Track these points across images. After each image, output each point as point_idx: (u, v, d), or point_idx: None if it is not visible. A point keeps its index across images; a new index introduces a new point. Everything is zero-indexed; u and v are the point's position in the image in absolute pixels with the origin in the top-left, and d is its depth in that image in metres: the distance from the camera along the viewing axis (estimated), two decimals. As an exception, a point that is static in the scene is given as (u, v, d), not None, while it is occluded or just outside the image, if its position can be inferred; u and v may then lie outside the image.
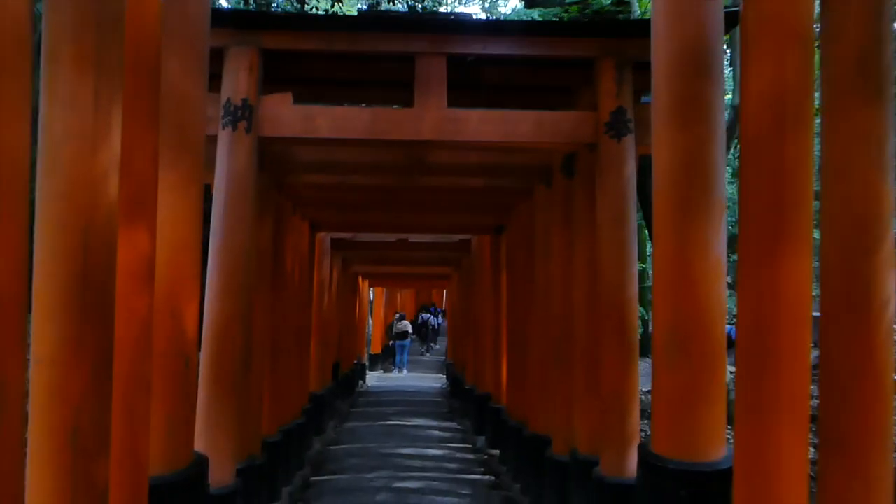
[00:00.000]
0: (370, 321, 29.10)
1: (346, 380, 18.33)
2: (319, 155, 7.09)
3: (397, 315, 26.24)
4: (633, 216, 6.05)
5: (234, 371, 5.66)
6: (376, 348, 28.31)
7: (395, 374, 25.65)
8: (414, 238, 14.40)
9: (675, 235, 4.45)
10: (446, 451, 11.87)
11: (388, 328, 25.91)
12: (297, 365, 9.96)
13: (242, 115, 5.71)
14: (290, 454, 8.77)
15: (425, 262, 17.95)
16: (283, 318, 8.58)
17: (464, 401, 15.62)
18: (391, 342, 25.63)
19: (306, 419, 10.54)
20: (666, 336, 4.43)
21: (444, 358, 30.42)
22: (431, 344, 29.99)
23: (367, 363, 26.23)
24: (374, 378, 25.05)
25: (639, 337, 6.11)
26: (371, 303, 29.73)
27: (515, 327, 9.83)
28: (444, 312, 32.69)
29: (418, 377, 25.83)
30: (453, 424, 14.96)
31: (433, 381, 25.26)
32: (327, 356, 14.41)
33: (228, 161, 5.72)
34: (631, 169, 6.04)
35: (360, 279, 22.68)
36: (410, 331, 26.07)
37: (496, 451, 11.27)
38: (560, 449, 7.21)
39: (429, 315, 30.94)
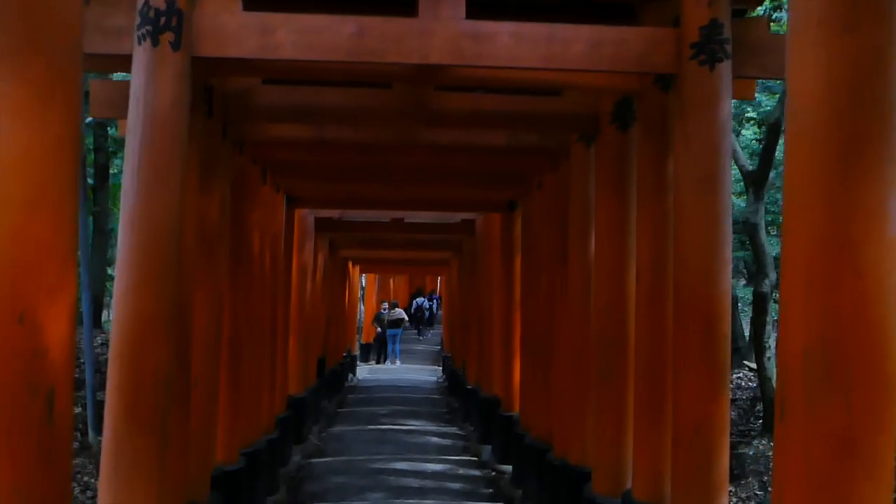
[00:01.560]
0: (361, 308, 27.39)
1: (334, 376, 16.57)
2: (288, 97, 5.28)
3: (384, 304, 24.68)
4: (729, 177, 4.27)
5: (155, 396, 3.88)
6: (368, 338, 26.55)
7: (387, 365, 23.96)
8: (410, 218, 12.57)
9: (828, 202, 2.72)
10: (447, 466, 10.14)
11: (376, 317, 24.13)
12: (268, 368, 8.18)
13: (167, 23, 3.90)
14: (257, 480, 7.02)
15: (422, 245, 16.14)
16: (247, 313, 6.80)
17: (465, 401, 13.89)
18: (379, 332, 23.84)
19: (281, 432, 8.78)
20: (806, 359, 2.70)
21: (438, 347, 28.96)
22: (424, 328, 29.39)
23: (358, 354, 24.49)
24: (365, 371, 23.33)
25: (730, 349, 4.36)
26: (363, 289, 28.01)
27: (535, 324, 8.07)
28: (440, 299, 31.32)
29: (412, 369, 24.12)
30: (454, 429, 13.22)
31: (428, 373, 23.56)
32: (311, 352, 12.64)
33: (147, 92, 3.92)
34: (727, 110, 4.26)
35: (350, 265, 20.88)
36: (405, 318, 24.38)
37: (507, 468, 9.54)
38: (604, 487, 5.48)
39: (423, 299, 29.93)
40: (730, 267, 4.29)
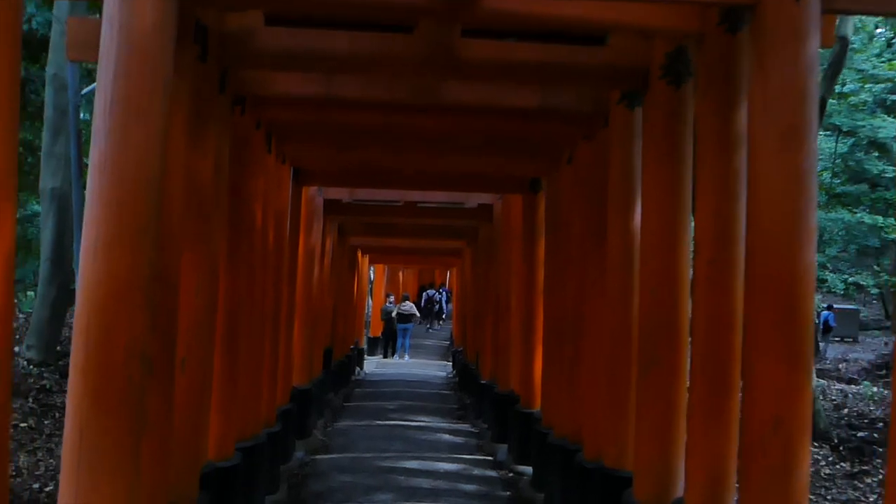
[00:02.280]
0: (369, 301, 26.74)
1: (341, 368, 15.93)
2: (294, 42, 4.60)
3: (390, 297, 24.24)
4: (815, 129, 3.58)
5: (127, 374, 3.22)
6: (376, 331, 25.89)
7: (395, 359, 23.33)
8: (425, 200, 11.88)
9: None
10: (461, 466, 9.47)
11: (383, 310, 23.48)
12: (269, 354, 7.53)
13: (148, -71, 3.23)
14: (255, 477, 6.36)
15: (436, 233, 15.45)
16: (248, 291, 6.15)
17: (478, 397, 13.22)
18: (386, 326, 23.25)
19: (283, 425, 8.12)
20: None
21: (448, 343, 28.32)
22: (437, 321, 29.44)
23: (365, 347, 23.85)
24: (372, 364, 22.70)
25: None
26: (371, 282, 27.37)
27: (561, 313, 7.38)
28: (450, 292, 30.77)
29: (421, 364, 23.49)
30: (466, 426, 12.56)
31: (437, 368, 22.92)
32: (317, 342, 11.98)
33: (122, 10, 3.25)
34: (814, 49, 3.56)
35: (360, 254, 20.21)
36: (416, 313, 23.85)
37: (526, 469, 8.87)
38: (648, 494, 4.79)
39: (434, 292, 29.78)
40: (815, 236, 3.60)
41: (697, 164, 4.22)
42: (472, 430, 12.27)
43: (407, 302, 23.50)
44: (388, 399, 15.25)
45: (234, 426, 5.92)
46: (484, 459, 10.03)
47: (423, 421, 12.79)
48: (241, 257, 5.72)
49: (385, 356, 24.01)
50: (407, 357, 23.44)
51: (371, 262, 24.08)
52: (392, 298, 24.51)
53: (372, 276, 27.46)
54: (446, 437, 11.56)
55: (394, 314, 23.14)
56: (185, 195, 4.08)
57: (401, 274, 32.62)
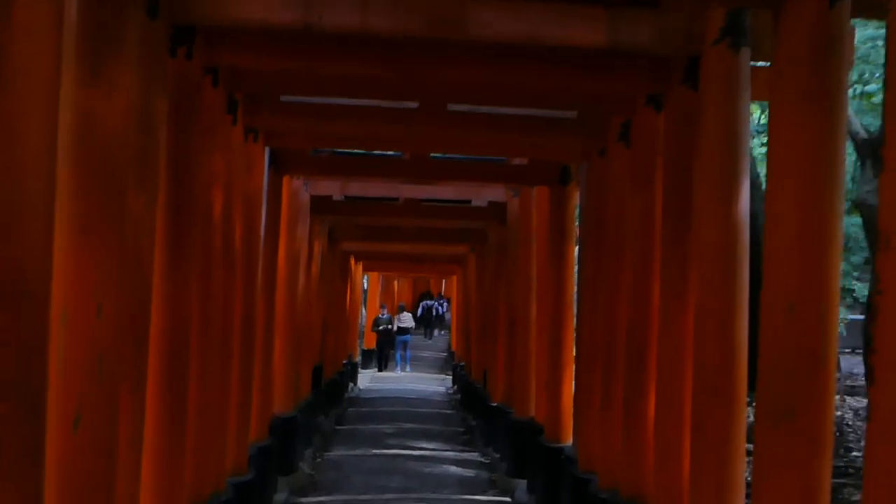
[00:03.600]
0: (363, 312, 25.20)
1: (332, 387, 14.34)
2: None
3: (384, 308, 22.95)
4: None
5: None
6: (370, 343, 24.33)
7: (397, 372, 22.06)
8: (427, 199, 10.34)
9: None
10: (475, 511, 7.94)
11: (375, 322, 22.16)
12: (239, 384, 5.97)
13: None
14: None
15: (437, 237, 13.90)
16: (202, 305, 4.61)
17: (487, 421, 11.64)
18: (379, 338, 22.14)
19: (258, 468, 6.55)
20: None
21: (446, 354, 26.86)
22: (432, 330, 29.39)
23: (359, 361, 22.29)
24: (367, 379, 21.14)
25: None
26: (365, 292, 25.84)
27: (606, 332, 5.84)
28: (448, 301, 29.52)
29: (419, 378, 21.98)
30: (475, 455, 11.00)
31: (436, 382, 21.40)
32: (303, 360, 10.41)
33: None
34: None
35: (353, 261, 18.65)
36: (412, 325, 23.08)
37: (554, 517, 7.31)
38: None
39: (433, 302, 29.45)
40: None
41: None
42: (482, 459, 10.71)
43: (405, 313, 22.56)
44: (384, 421, 13.70)
45: (184, 488, 4.36)
46: (500, 502, 8.47)
47: (426, 448, 11.24)
48: (190, 259, 4.17)
49: (380, 369, 22.52)
50: (408, 368, 22.42)
51: (365, 270, 22.53)
52: (385, 309, 23.11)
53: (365, 286, 25.99)
54: (453, 469, 10.01)
55: (390, 326, 21.97)
56: (76, 142, 2.53)
57: (395, 283, 31.20)
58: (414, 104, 5.44)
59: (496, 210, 10.77)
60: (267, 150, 6.49)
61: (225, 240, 5.15)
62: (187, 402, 4.25)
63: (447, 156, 7.61)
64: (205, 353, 4.66)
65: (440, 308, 30.84)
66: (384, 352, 22.65)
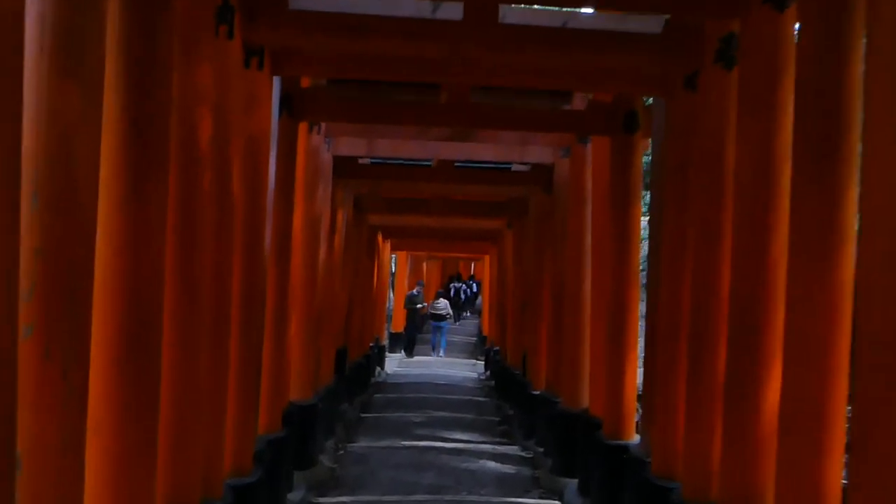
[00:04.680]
0: (391, 295, 24.20)
1: (358, 371, 13.30)
2: None
3: (418, 285, 22.38)
4: None
5: None
6: (398, 326, 23.35)
7: (433, 356, 21.56)
8: (463, 162, 9.19)
9: None
10: (520, 516, 6.84)
11: (409, 299, 21.36)
12: (240, 366, 4.90)
13: None
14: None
15: (471, 210, 12.75)
16: (188, 264, 3.54)
17: (527, 411, 10.51)
18: (408, 320, 21.56)
19: (268, 466, 5.49)
20: None
21: (475, 338, 25.84)
22: (463, 312, 29.35)
23: (387, 344, 21.30)
24: (394, 363, 20.13)
25: None
26: (392, 274, 24.83)
27: (699, 309, 4.67)
28: (479, 284, 28.54)
29: (448, 362, 20.99)
30: (515, 449, 9.88)
31: (467, 367, 20.35)
32: (325, 341, 9.36)
33: None
34: None
35: (381, 238, 17.56)
36: (451, 312, 22.85)
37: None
38: None
39: (461, 285, 29.23)
40: None
41: None
42: (523, 454, 9.60)
43: (441, 300, 21.90)
44: (413, 408, 12.64)
45: (154, 498, 3.29)
46: (549, 505, 7.37)
47: (460, 440, 10.16)
48: (159, 199, 3.08)
49: (408, 354, 21.58)
50: (442, 353, 21.86)
51: (393, 250, 21.47)
52: (419, 288, 22.36)
53: (393, 268, 25.01)
54: (491, 465, 8.91)
55: (419, 307, 21.21)
56: None
57: (424, 265, 30.19)
58: (458, 7, 4.28)
59: (540, 174, 9.58)
60: (277, 85, 5.37)
61: (218, 185, 4.06)
62: (158, 389, 3.17)
63: (489, 87, 6.44)
64: (185, 329, 3.58)
65: (468, 291, 30.27)
66: (413, 335, 21.80)
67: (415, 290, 22.15)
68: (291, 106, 6.13)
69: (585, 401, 7.89)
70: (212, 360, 4.18)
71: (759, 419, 3.85)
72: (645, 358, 5.98)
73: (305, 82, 6.39)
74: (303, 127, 6.80)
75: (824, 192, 3.21)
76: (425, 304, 21.79)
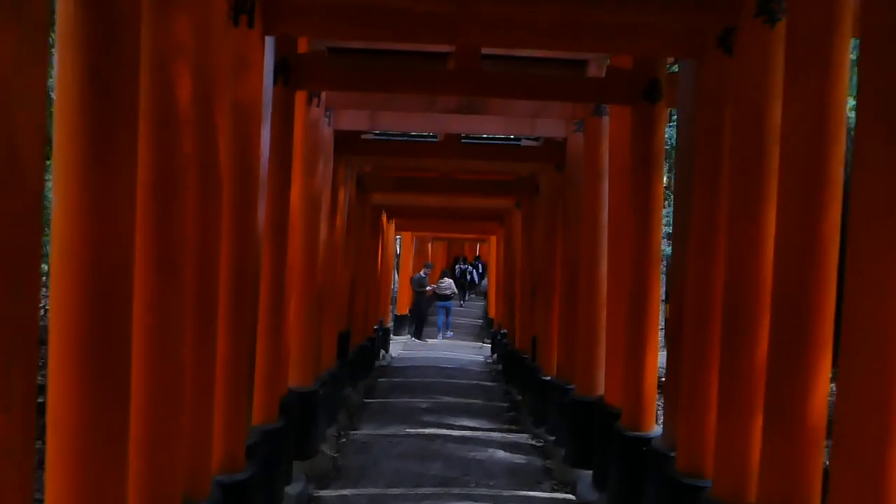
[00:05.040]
0: (395, 277, 23.81)
1: (362, 354, 12.93)
2: None
3: (426, 266, 22.10)
4: None
5: None
6: (403, 308, 23.00)
7: (439, 339, 21.35)
8: (470, 137, 8.74)
9: None
10: (533, 510, 6.46)
11: (414, 281, 21.06)
12: (229, 351, 4.50)
13: None
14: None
15: (478, 189, 12.32)
16: (167, 246, 3.13)
17: (537, 396, 10.13)
18: (414, 302, 21.35)
19: (264, 458, 5.12)
20: None
21: (481, 321, 25.50)
22: (469, 293, 29.11)
23: (391, 327, 20.94)
24: (399, 346, 19.78)
25: None
26: (397, 255, 24.45)
27: (724, 286, 4.25)
28: (485, 265, 28.19)
29: (454, 345, 20.64)
30: (525, 437, 9.50)
31: (473, 350, 19.99)
32: (327, 325, 8.97)
33: None
34: None
35: (385, 218, 17.14)
36: (455, 290, 22.49)
37: (636, 523, 5.80)
38: None
39: (467, 266, 29.02)
40: None
41: None
42: (533, 442, 9.22)
43: (446, 279, 21.53)
44: (419, 393, 12.28)
45: (145, 496, 2.92)
46: (563, 500, 6.98)
47: (467, 427, 9.79)
48: (124, 158, 2.66)
49: (416, 336, 21.25)
50: (450, 333, 21.71)
51: (398, 230, 21.04)
52: (426, 270, 22.06)
53: (398, 249, 24.62)
54: (501, 454, 8.54)
55: (426, 287, 20.87)
56: None
57: (429, 246, 29.81)
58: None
59: (552, 150, 9.13)
60: (271, 49, 4.93)
61: (200, 153, 3.63)
62: (127, 380, 2.77)
63: (500, 57, 5.99)
64: (162, 311, 3.17)
65: (473, 273, 30.04)
66: (422, 317, 21.50)
67: (422, 272, 21.78)
68: (288, 73, 5.68)
69: (600, 388, 7.50)
70: (196, 346, 3.78)
71: (807, 414, 3.44)
72: (668, 344, 5.57)
73: (303, 48, 5.93)
74: (300, 97, 6.36)
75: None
76: (432, 286, 21.44)
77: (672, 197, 8.13)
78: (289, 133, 5.82)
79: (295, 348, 7.19)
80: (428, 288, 21.20)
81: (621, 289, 6.56)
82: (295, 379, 7.21)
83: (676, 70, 6.05)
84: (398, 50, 6.89)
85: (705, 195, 4.71)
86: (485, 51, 6.11)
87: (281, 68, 5.61)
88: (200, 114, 3.61)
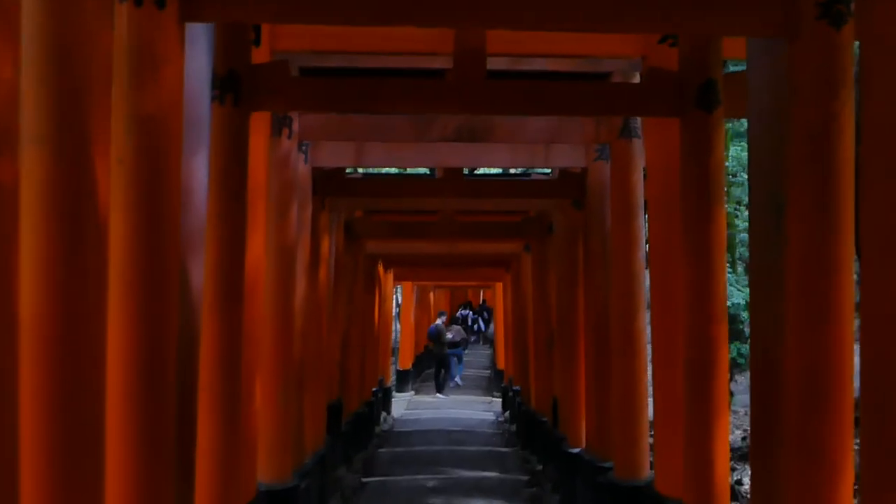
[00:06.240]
0: (396, 327, 22.42)
1: (358, 424, 11.47)
2: None
3: (441, 316, 21.48)
4: None
5: None
6: (405, 363, 21.58)
7: (451, 386, 20.32)
8: (473, 170, 7.45)
9: None
10: None
11: (433, 334, 19.93)
12: (151, 463, 3.11)
13: None
14: None
15: (482, 231, 11.00)
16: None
17: (559, 470, 8.64)
18: (435, 354, 20.23)
19: None
20: None
21: (489, 371, 24.05)
22: (476, 339, 27.95)
23: (393, 384, 19.46)
24: (402, 404, 18.28)
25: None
26: (398, 305, 23.11)
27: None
28: (491, 311, 27.05)
29: (460, 401, 19.17)
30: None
31: (482, 406, 18.53)
32: (312, 398, 7.57)
33: None
34: None
35: (381, 268, 15.80)
36: (462, 337, 21.61)
37: None
38: None
39: (467, 312, 28.53)
40: None
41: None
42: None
43: (454, 326, 21.23)
44: (425, 465, 10.78)
45: None
46: None
47: (483, 512, 8.31)
48: None
49: (439, 390, 20.01)
50: (460, 382, 20.87)
51: (397, 280, 19.69)
52: (444, 318, 21.20)
53: (398, 299, 23.30)
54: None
55: (447, 338, 19.98)
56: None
57: (431, 295, 28.44)
58: None
59: (568, 184, 7.81)
60: (203, 45, 3.63)
61: (60, 182, 2.31)
62: None
63: (509, 74, 4.74)
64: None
65: (480, 322, 28.99)
66: (441, 370, 20.24)
67: (439, 321, 20.85)
68: (238, 89, 4.40)
69: (645, 469, 6.10)
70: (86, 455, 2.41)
71: None
72: (752, 419, 4.16)
73: (259, 57, 4.67)
74: (261, 123, 5.08)
75: None
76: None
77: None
78: (241, 167, 4.52)
79: (265, 436, 5.79)
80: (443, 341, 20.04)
81: (673, 348, 5.19)
82: (267, 473, 5.80)
83: (732, 71, 4.79)
84: (386, 68, 5.66)
85: (812, 224, 3.37)
86: (491, 67, 4.86)
87: (229, 82, 4.34)
88: (61, 122, 2.30)
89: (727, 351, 4.77)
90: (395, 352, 21.60)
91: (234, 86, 4.38)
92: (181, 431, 3.57)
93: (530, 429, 11.70)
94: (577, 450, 8.09)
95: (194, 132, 3.63)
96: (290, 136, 6.07)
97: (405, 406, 18.29)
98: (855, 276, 3.63)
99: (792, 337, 3.56)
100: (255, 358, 5.25)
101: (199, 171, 3.72)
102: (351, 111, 5.52)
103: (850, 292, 3.44)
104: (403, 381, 21.13)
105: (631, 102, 4.94)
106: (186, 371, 3.61)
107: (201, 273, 3.82)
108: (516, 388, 14.42)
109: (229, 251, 4.43)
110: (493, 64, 5.01)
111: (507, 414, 16.08)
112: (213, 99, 4.32)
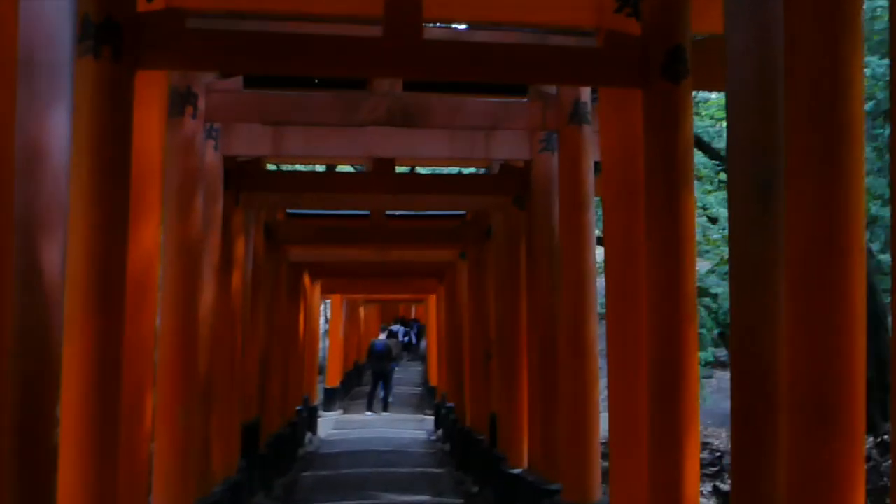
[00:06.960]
0: (324, 345, 21.46)
1: (279, 445, 10.53)
2: None
3: (385, 331, 20.35)
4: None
5: None
6: (333, 381, 20.64)
7: (370, 415, 18.80)
8: (407, 157, 6.75)
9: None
10: None
11: (379, 350, 19.00)
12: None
13: None
14: None
15: (414, 237, 10.28)
16: None
17: (497, 493, 7.96)
18: (370, 371, 19.37)
19: None
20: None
21: (421, 388, 23.27)
22: (409, 356, 27.26)
23: (320, 403, 18.47)
24: (330, 424, 17.31)
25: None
26: (326, 321, 22.18)
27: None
28: (422, 327, 26.46)
29: (392, 419, 18.29)
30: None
31: (413, 424, 17.71)
32: (223, 419, 6.68)
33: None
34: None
35: (308, 279, 14.88)
36: (399, 352, 20.86)
37: None
38: None
39: (398, 327, 26.93)
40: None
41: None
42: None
43: (392, 339, 20.16)
44: (353, 490, 9.93)
45: None
46: None
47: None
48: None
49: (370, 408, 19.07)
50: (391, 399, 19.37)
51: (324, 293, 18.76)
52: (385, 334, 20.45)
53: (327, 314, 22.35)
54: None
55: (383, 354, 18.90)
56: None
57: (362, 310, 27.55)
58: None
59: (508, 180, 7.20)
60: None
61: None
62: None
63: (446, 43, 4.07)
64: None
65: (412, 335, 28.37)
66: (377, 387, 19.20)
67: (383, 336, 20.11)
68: (118, 40, 3.59)
69: (598, 492, 5.47)
70: None
71: None
72: (735, 435, 3.55)
73: (142, 4, 3.87)
74: (152, 91, 4.26)
75: None
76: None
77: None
78: (122, 139, 3.70)
79: (162, 461, 4.93)
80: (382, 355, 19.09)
81: (632, 355, 4.58)
82: (164, 503, 4.93)
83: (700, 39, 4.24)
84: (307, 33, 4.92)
85: (814, 201, 2.79)
86: (427, 38, 4.19)
87: (106, 32, 3.53)
88: None
89: (697, 355, 4.18)
90: (322, 370, 20.64)
91: (112, 36, 3.57)
92: (28, 464, 2.74)
93: (466, 448, 11.00)
94: (518, 470, 7.42)
95: (46, 79, 2.84)
96: (194, 116, 5.26)
97: (332, 425, 17.35)
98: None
99: (789, 338, 2.97)
100: (145, 372, 4.40)
101: (54, 129, 2.90)
102: (263, 72, 4.74)
103: (861, 283, 2.88)
104: (331, 399, 20.18)
105: (587, 71, 4.31)
106: (33, 384, 2.78)
107: (59, 261, 2.99)
108: (450, 405, 13.71)
109: (105, 241, 3.60)
110: (430, 34, 4.36)
111: (440, 432, 15.34)
112: (87, 52, 3.53)
